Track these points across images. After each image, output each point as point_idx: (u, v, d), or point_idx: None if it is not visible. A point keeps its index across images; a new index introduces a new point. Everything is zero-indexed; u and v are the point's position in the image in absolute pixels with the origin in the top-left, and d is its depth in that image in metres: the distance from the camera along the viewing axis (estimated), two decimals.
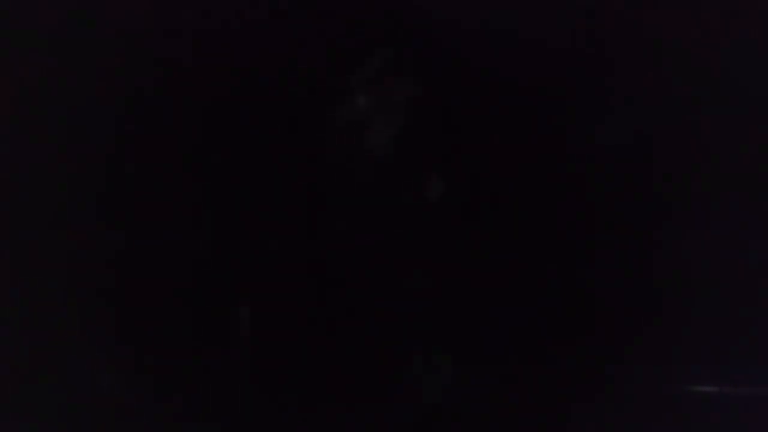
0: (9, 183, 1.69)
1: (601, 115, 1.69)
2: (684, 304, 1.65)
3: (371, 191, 1.71)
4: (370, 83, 1.70)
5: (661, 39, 1.64)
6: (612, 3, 1.65)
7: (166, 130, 1.70)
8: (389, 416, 1.65)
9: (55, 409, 1.66)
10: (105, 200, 1.69)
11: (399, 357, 1.67)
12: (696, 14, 1.64)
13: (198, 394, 1.67)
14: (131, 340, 1.67)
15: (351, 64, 1.69)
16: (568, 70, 1.66)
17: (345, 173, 1.71)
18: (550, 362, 1.66)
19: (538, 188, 1.68)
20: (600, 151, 1.69)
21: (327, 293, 1.69)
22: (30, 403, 1.67)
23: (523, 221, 1.68)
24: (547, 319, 1.66)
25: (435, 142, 1.69)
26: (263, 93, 1.69)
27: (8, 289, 1.69)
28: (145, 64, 1.67)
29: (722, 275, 1.64)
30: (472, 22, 1.65)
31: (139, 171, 1.69)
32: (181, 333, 1.68)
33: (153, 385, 1.67)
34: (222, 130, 1.70)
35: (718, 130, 1.65)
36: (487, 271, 1.67)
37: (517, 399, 1.65)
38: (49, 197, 1.69)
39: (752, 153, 1.65)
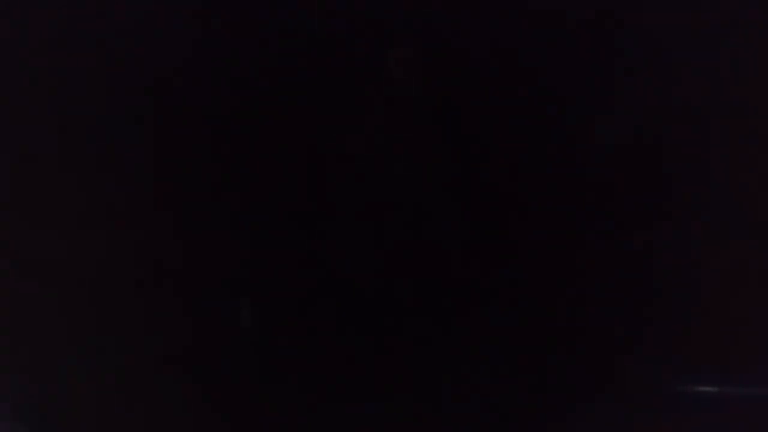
0: (10, 183, 1.70)
1: (605, 116, 1.70)
2: (684, 305, 1.65)
3: (370, 192, 1.71)
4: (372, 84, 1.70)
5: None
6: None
7: (167, 131, 1.70)
8: (389, 412, 1.65)
9: (56, 408, 1.67)
10: (107, 200, 1.70)
11: (399, 353, 1.68)
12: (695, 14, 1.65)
13: (198, 392, 1.67)
14: (131, 339, 1.68)
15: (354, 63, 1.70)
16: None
17: (345, 173, 1.71)
18: (550, 362, 1.66)
19: (541, 187, 1.68)
20: (602, 151, 1.69)
21: (327, 290, 1.69)
22: (30, 402, 1.67)
23: (525, 220, 1.68)
24: (547, 319, 1.66)
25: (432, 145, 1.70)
26: (264, 93, 1.69)
27: (9, 287, 1.69)
28: (143, 70, 1.68)
29: (722, 276, 1.64)
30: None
31: (141, 171, 1.70)
32: (183, 329, 1.68)
33: (153, 383, 1.67)
34: (223, 131, 1.70)
35: (718, 132, 1.66)
36: (488, 271, 1.68)
37: (518, 399, 1.65)
38: (52, 197, 1.69)
39: (753, 154, 1.65)
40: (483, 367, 1.67)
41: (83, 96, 1.69)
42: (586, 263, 1.68)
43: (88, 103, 1.69)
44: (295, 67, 1.69)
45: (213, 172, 1.71)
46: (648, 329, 1.66)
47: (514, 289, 1.67)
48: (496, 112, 1.68)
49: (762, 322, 1.64)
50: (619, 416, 1.63)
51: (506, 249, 1.68)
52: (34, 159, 1.70)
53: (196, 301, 1.70)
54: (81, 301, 1.68)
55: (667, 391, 1.66)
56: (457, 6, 1.67)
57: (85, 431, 1.67)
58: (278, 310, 1.70)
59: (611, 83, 1.67)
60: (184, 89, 1.69)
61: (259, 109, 1.69)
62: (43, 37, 1.70)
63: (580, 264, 1.68)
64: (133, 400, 1.66)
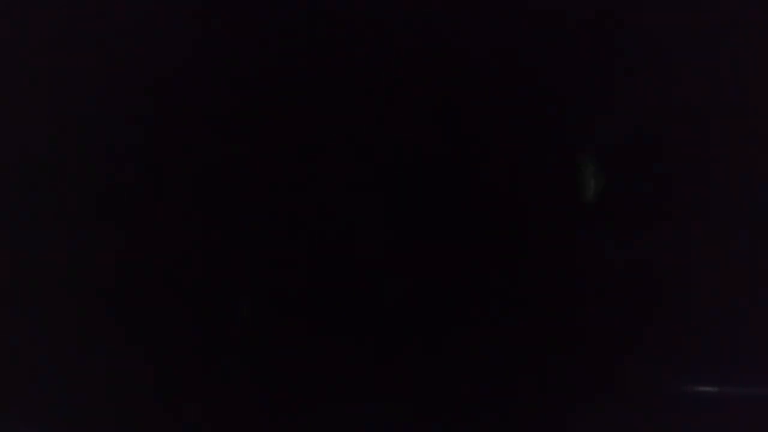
0: (10, 183, 1.70)
1: (605, 116, 1.70)
2: (684, 305, 1.65)
3: (369, 191, 1.71)
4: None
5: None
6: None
7: (166, 129, 1.70)
8: (389, 412, 1.65)
9: (55, 409, 1.67)
10: (106, 199, 1.70)
11: (399, 353, 1.68)
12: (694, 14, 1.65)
13: (198, 392, 1.68)
14: (132, 338, 1.68)
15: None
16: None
17: (346, 173, 1.71)
18: (550, 362, 1.66)
19: (541, 187, 1.69)
20: (597, 148, 1.69)
21: (326, 291, 1.69)
22: (30, 402, 1.67)
23: (526, 220, 1.69)
24: (547, 318, 1.67)
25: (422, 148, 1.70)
26: (261, 93, 1.69)
27: (9, 289, 1.69)
28: (142, 67, 1.68)
29: (722, 275, 1.64)
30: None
31: (139, 170, 1.70)
32: (181, 330, 1.68)
33: (153, 382, 1.67)
34: (221, 130, 1.70)
35: (718, 131, 1.66)
36: (489, 270, 1.68)
37: (518, 399, 1.65)
38: (51, 196, 1.69)
39: (752, 152, 1.65)
40: (483, 366, 1.67)
41: (83, 96, 1.70)
42: (585, 263, 1.68)
43: (88, 103, 1.70)
44: (295, 67, 1.69)
45: (213, 172, 1.71)
46: (648, 329, 1.66)
47: (514, 289, 1.67)
48: (496, 112, 1.68)
49: (762, 322, 1.64)
50: (619, 416, 1.63)
51: (506, 248, 1.68)
52: (34, 158, 1.70)
53: (195, 301, 1.70)
54: (81, 301, 1.68)
55: (668, 391, 1.66)
56: (456, 6, 1.67)
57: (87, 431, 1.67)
58: (277, 310, 1.70)
59: (611, 83, 1.68)
60: (184, 89, 1.69)
61: (259, 109, 1.69)
62: (43, 37, 1.70)
63: (580, 264, 1.68)
64: (132, 400, 1.67)
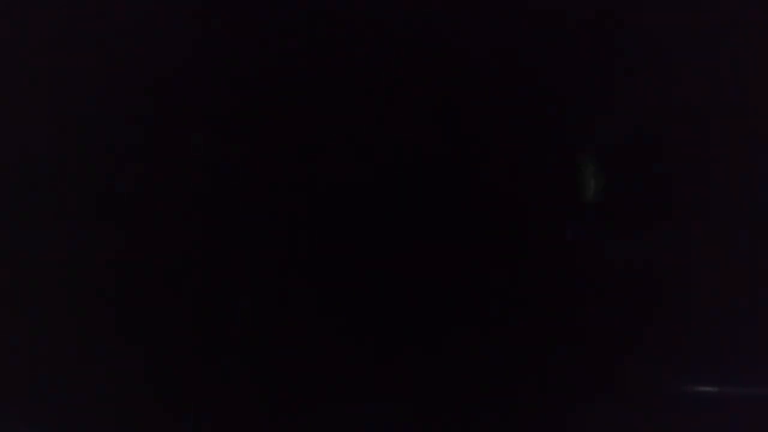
0: (10, 183, 1.70)
1: (605, 116, 1.70)
2: (684, 305, 1.65)
3: (369, 191, 1.71)
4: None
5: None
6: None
7: (165, 130, 1.70)
8: (389, 412, 1.65)
9: (54, 409, 1.67)
10: (106, 199, 1.70)
11: (399, 353, 1.68)
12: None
13: (197, 392, 1.68)
14: (132, 338, 1.68)
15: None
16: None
17: (344, 173, 1.71)
18: (550, 362, 1.66)
19: (541, 187, 1.69)
20: (597, 148, 1.69)
21: (326, 291, 1.69)
22: (30, 403, 1.67)
23: (526, 219, 1.69)
24: (547, 318, 1.66)
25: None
26: (261, 93, 1.69)
27: (8, 289, 1.69)
28: (142, 67, 1.68)
29: (722, 275, 1.64)
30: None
31: (139, 170, 1.70)
32: (181, 330, 1.68)
33: (152, 383, 1.67)
34: (221, 130, 1.70)
35: (718, 131, 1.66)
36: (489, 270, 1.68)
37: (518, 399, 1.65)
38: (51, 196, 1.69)
39: (752, 152, 1.65)
40: (483, 366, 1.67)
41: (83, 96, 1.70)
42: (585, 263, 1.68)
43: (88, 103, 1.70)
44: (295, 67, 1.69)
45: (213, 172, 1.71)
46: (648, 329, 1.66)
47: (514, 289, 1.67)
48: (496, 112, 1.68)
49: (762, 322, 1.64)
50: (619, 416, 1.63)
51: (506, 248, 1.68)
52: (34, 158, 1.70)
53: (195, 301, 1.70)
54: (81, 301, 1.68)
55: (668, 391, 1.66)
56: (456, 6, 1.67)
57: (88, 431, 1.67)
58: (277, 310, 1.70)
59: (611, 83, 1.68)
60: (184, 89, 1.69)
61: (259, 109, 1.70)
62: (43, 37, 1.70)
63: (581, 264, 1.68)
64: (132, 400, 1.66)
